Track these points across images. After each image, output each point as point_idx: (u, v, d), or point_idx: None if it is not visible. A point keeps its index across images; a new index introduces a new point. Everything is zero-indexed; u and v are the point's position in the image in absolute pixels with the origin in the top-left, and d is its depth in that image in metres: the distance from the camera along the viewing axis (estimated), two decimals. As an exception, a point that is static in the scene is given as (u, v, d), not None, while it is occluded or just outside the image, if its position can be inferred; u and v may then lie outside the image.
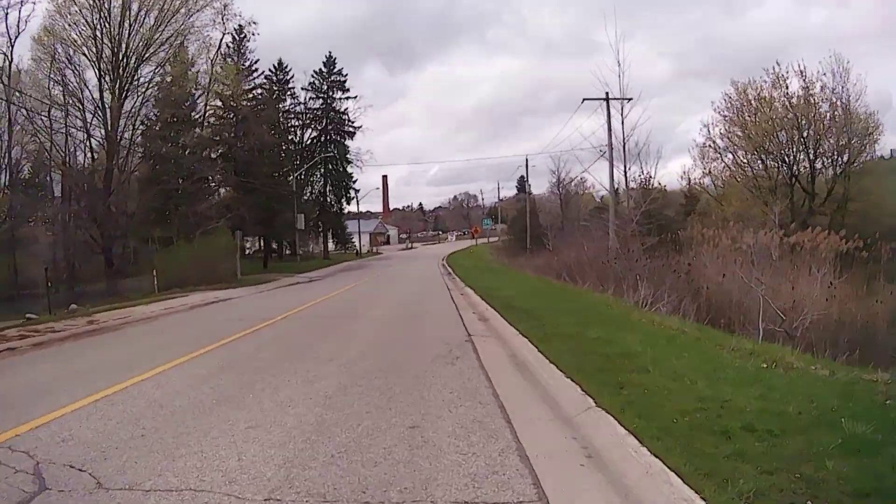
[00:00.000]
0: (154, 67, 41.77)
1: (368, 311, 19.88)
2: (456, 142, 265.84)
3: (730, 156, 59.15)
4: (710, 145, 61.52)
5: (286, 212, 54.44)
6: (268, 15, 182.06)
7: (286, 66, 75.83)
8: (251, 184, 51.18)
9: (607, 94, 37.39)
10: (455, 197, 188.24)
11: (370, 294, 28.11)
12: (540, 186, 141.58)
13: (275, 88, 74.28)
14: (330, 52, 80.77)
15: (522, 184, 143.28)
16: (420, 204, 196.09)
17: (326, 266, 59.91)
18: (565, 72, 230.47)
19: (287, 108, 76.82)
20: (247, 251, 72.27)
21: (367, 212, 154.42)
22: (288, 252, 79.16)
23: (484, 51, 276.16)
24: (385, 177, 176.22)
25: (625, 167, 38.94)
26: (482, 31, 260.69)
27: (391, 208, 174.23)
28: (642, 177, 47.02)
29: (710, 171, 63.62)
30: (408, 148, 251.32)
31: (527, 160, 72.50)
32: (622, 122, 36.24)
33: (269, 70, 74.38)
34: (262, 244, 66.97)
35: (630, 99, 36.24)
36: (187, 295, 29.06)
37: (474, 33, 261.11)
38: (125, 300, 27.81)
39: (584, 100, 38.08)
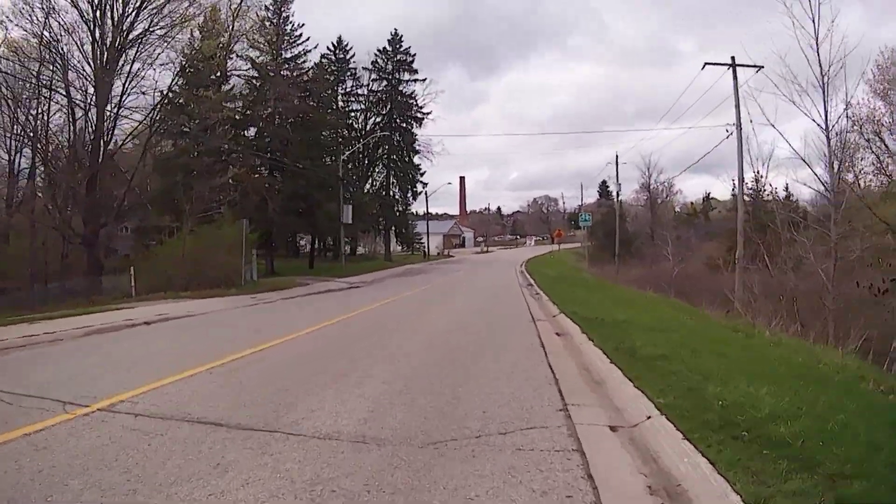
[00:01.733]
0: (153, 12, 32.13)
1: (372, 364, 9.69)
2: (536, 147, 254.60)
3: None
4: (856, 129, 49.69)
5: (330, 202, 44.91)
6: (347, 16, 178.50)
7: (346, 45, 67.97)
8: (282, 164, 42.31)
9: (733, 58, 27.37)
10: (535, 200, 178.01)
11: (409, 315, 18.20)
12: (623, 193, 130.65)
13: (333, 69, 66.40)
14: (395, 30, 71.87)
15: (605, 189, 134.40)
16: (498, 207, 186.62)
17: (383, 268, 51.02)
18: (645, 81, 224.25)
19: (348, 90, 68.68)
20: (300, 249, 64.13)
21: (445, 214, 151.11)
22: (346, 251, 70.91)
23: (564, 57, 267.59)
24: (462, 178, 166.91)
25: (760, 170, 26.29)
26: (563, 39, 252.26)
27: (468, 211, 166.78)
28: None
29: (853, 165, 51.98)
30: (487, 152, 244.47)
31: (616, 156, 62.34)
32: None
33: (328, 48, 66.93)
34: (293, 240, 58.67)
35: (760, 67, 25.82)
36: (149, 304, 20.73)
37: (555, 40, 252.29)
38: (91, 304, 22.53)
39: (705, 64, 27.83)
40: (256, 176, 41.41)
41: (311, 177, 43.09)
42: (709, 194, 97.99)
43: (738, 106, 26.14)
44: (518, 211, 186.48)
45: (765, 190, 57.10)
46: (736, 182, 28.65)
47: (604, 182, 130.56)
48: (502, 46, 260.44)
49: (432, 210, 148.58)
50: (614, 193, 63.73)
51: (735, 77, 26.50)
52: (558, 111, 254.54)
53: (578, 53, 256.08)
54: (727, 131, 25.71)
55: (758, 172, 57.34)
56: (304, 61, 50.09)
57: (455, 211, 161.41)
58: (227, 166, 38.97)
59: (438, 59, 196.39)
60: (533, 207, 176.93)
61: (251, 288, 27.82)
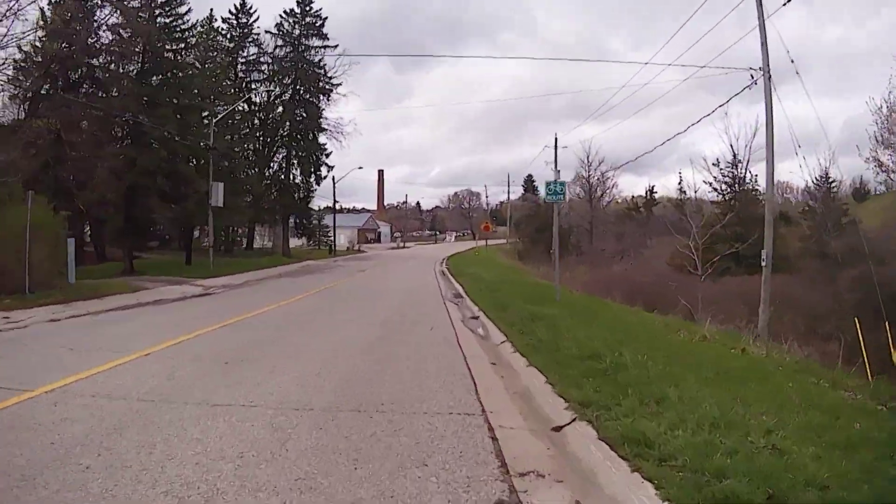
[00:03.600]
0: None
1: None
2: (460, 144, 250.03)
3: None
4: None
5: (200, 182, 35.27)
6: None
7: (250, 7, 57.73)
8: (139, 128, 32.76)
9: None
10: (456, 194, 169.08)
11: (235, 366, 9.53)
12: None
13: (233, 34, 57.00)
14: (308, -15, 61.61)
15: (531, 183, 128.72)
16: (417, 202, 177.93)
17: (273, 265, 41.79)
18: (573, 78, 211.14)
19: (249, 57, 58.78)
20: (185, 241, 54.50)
21: (363, 209, 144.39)
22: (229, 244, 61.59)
23: (495, 53, 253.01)
24: (381, 171, 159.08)
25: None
26: (494, 34, 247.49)
27: (386, 206, 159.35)
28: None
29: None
30: (410, 148, 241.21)
31: (556, 137, 54.15)
32: None
33: (230, 11, 57.17)
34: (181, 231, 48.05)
35: None
36: None
37: (485, 35, 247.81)
38: None
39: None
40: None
41: (178, 149, 33.78)
42: (653, 188, 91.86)
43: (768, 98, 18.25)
44: (438, 206, 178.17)
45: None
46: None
47: (529, 177, 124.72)
48: (431, 41, 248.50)
49: (347, 205, 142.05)
50: (553, 179, 55.72)
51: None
52: (487, 107, 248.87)
53: (509, 49, 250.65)
54: (751, 77, 17.64)
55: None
56: (188, 10, 39.78)
57: (373, 206, 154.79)
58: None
59: (364, 51, 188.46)
60: (454, 202, 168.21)
61: (38, 299, 18.60)
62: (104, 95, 33.60)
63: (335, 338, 11.90)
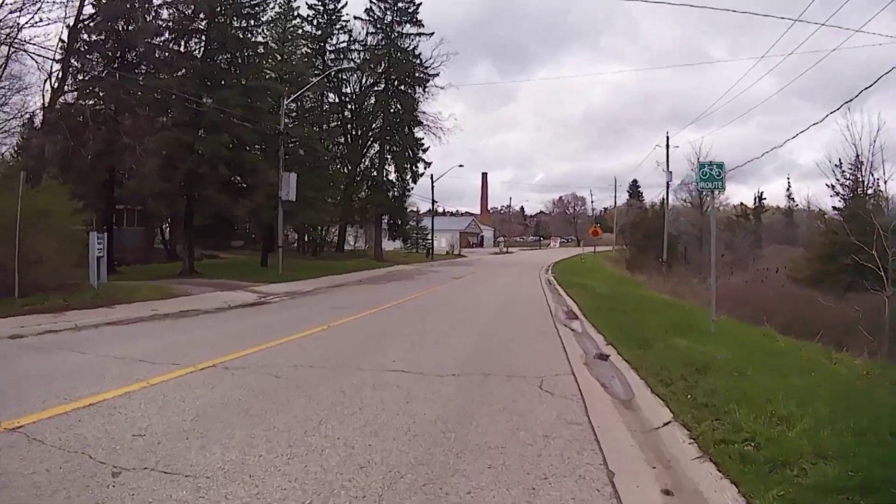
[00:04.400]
0: None
1: None
2: (563, 149, 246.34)
3: None
4: None
5: (269, 172, 30.28)
6: None
7: (338, -9, 53.41)
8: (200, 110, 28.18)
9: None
10: (560, 199, 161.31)
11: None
12: (651, 195, 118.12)
13: (319, 21, 52.93)
14: (394, -25, 56.94)
15: (636, 188, 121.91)
16: (521, 207, 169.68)
17: (358, 270, 36.96)
18: (676, 83, 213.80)
19: (338, 46, 54.32)
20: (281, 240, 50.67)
21: (466, 213, 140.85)
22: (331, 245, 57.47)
23: (596, 58, 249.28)
24: (485, 174, 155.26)
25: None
26: (595, 38, 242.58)
27: (489, 209, 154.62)
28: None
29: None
30: (513, 152, 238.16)
31: (668, 136, 47.81)
32: None
33: (316, -1, 52.79)
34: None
35: None
36: None
37: (587, 39, 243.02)
38: None
39: None
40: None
41: (243, 134, 29.07)
42: (762, 194, 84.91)
43: None
44: (542, 211, 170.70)
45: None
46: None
47: (634, 181, 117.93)
48: (534, 44, 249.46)
49: (450, 209, 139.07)
50: (664, 182, 49.47)
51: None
52: (588, 111, 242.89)
53: (611, 54, 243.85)
54: None
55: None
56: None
57: (476, 210, 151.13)
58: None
59: (467, 56, 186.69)
60: (558, 207, 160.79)
61: (23, 305, 14.18)
62: (163, 77, 29.46)
63: (362, 418, 6.34)
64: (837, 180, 43.95)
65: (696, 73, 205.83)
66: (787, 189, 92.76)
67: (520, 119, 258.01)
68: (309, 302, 19.34)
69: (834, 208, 45.15)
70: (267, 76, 34.73)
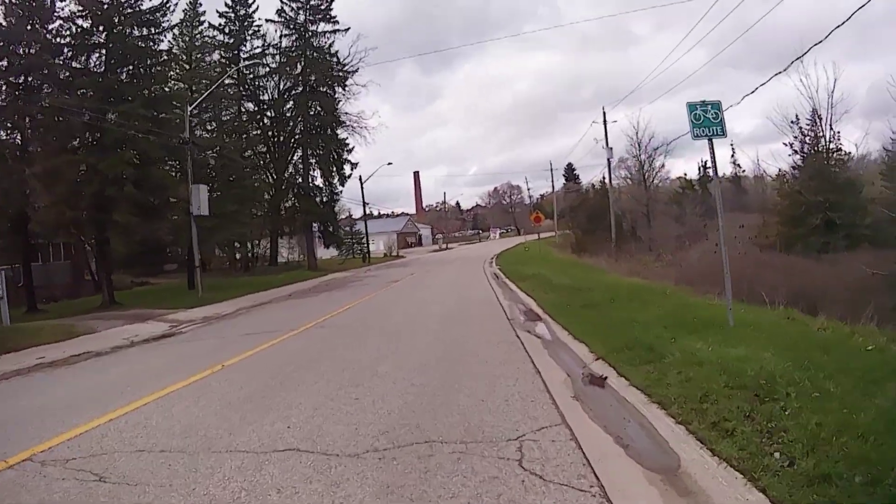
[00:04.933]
0: None
1: None
2: (494, 141, 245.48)
3: None
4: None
5: (180, 188, 28.41)
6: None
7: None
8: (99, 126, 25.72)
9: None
10: (496, 189, 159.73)
11: None
12: (587, 177, 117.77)
13: (231, 28, 50.57)
14: (307, -28, 54.39)
15: (571, 172, 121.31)
16: (457, 202, 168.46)
17: (290, 282, 34.58)
18: (603, 64, 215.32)
19: (253, 51, 51.87)
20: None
21: (402, 213, 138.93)
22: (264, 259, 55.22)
23: (519, 47, 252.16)
24: (416, 173, 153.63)
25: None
26: (518, 26, 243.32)
27: (425, 208, 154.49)
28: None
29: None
30: (445, 149, 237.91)
31: (604, 111, 46.73)
32: None
33: (226, 4, 50.62)
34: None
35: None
36: None
37: (510, 29, 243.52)
38: None
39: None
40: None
41: (150, 149, 26.64)
42: (705, 163, 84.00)
43: None
44: (478, 204, 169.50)
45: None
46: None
47: (570, 165, 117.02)
48: (456, 39, 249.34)
49: (385, 211, 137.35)
50: (600, 164, 48.50)
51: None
52: (516, 101, 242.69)
53: (534, 41, 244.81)
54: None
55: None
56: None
57: (412, 210, 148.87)
58: None
59: (391, 57, 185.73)
60: (494, 198, 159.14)
61: None
62: (67, 96, 27.07)
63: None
64: (795, 137, 43.06)
65: (622, 52, 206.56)
66: (732, 155, 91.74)
67: (449, 115, 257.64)
68: (223, 328, 17.22)
69: (794, 167, 44.43)
70: (175, 86, 32.62)
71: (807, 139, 42.34)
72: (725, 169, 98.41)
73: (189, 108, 29.22)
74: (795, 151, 43.31)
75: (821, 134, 41.49)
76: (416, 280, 31.33)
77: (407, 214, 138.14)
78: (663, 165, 65.45)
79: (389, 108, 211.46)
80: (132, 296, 29.97)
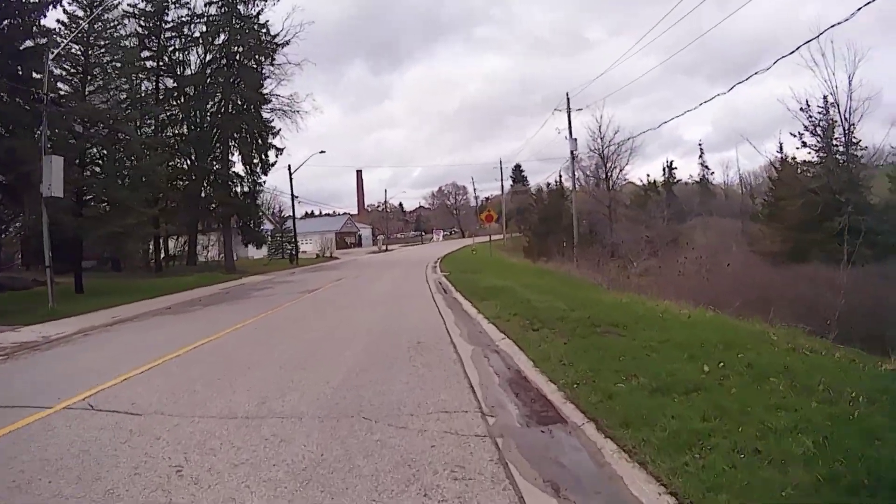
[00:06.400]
0: None
1: None
2: (441, 144, 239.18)
3: None
4: None
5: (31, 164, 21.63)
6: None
7: (172, -36, 44.31)
8: None
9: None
10: (440, 189, 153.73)
11: None
12: (535, 180, 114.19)
13: (150, -4, 43.45)
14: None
15: (519, 174, 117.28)
16: (400, 203, 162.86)
17: (181, 289, 28.45)
18: (554, 69, 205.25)
19: (178, 21, 44.96)
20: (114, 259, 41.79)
21: (345, 213, 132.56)
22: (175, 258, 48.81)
23: (471, 49, 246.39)
24: (359, 171, 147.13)
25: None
26: (470, 29, 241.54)
27: (367, 208, 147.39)
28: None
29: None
30: (390, 150, 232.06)
31: (567, 98, 41.59)
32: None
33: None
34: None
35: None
36: None
37: (462, 30, 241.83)
38: None
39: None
40: None
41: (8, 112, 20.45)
42: (671, 163, 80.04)
43: None
44: (422, 206, 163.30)
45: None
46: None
47: (518, 166, 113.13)
48: (407, 39, 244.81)
49: (327, 210, 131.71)
50: (555, 165, 43.22)
51: None
52: (465, 104, 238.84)
53: (486, 44, 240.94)
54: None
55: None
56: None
57: (356, 211, 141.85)
58: None
59: (341, 55, 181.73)
60: (438, 198, 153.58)
61: None
62: None
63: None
64: (806, 128, 37.90)
65: (574, 58, 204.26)
66: (700, 156, 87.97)
67: (396, 116, 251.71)
68: (26, 367, 11.34)
69: (804, 163, 39.42)
70: (68, 49, 26.41)
71: (818, 129, 37.32)
72: (693, 171, 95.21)
73: (50, 58, 22.26)
74: (805, 144, 38.26)
75: (843, 123, 36.58)
76: (338, 290, 25.02)
77: (348, 214, 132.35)
78: (627, 162, 60.47)
79: (337, 107, 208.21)
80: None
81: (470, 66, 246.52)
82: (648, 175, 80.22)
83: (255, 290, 27.54)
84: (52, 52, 22.64)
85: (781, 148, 47.48)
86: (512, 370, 8.87)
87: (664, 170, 75.31)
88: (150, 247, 44.18)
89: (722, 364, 7.51)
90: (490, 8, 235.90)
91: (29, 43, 24.47)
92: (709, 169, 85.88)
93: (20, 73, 23.57)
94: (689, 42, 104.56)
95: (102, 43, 29.36)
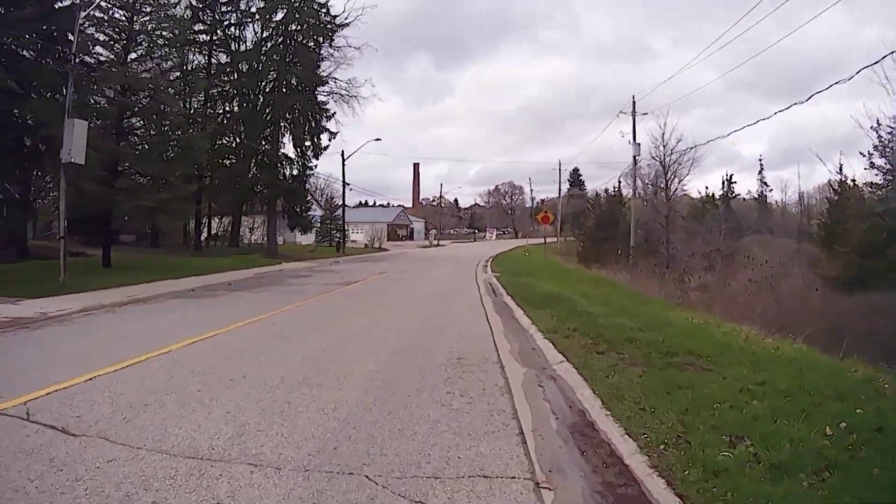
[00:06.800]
0: None
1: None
2: (498, 143, 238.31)
3: None
4: None
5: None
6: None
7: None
8: None
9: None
10: (497, 188, 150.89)
11: None
12: (592, 185, 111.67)
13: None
14: None
15: (577, 178, 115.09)
16: (455, 199, 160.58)
17: (213, 270, 26.69)
18: (616, 76, 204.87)
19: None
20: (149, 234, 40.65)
21: (400, 205, 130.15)
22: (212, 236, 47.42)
23: (534, 51, 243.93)
24: (416, 164, 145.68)
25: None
26: (534, 31, 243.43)
27: (422, 201, 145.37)
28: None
29: None
30: (448, 146, 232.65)
31: (633, 101, 39.00)
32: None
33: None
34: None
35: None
36: None
37: (526, 32, 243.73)
38: None
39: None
40: None
41: (35, 74, 18.81)
42: (731, 177, 76.28)
43: None
44: (477, 203, 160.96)
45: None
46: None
47: (576, 170, 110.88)
48: (472, 38, 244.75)
49: (381, 201, 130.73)
50: (631, 157, 40.52)
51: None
52: (524, 105, 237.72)
53: (549, 47, 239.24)
54: None
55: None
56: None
57: (410, 203, 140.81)
58: None
59: (405, 49, 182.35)
60: (494, 197, 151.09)
61: None
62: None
63: None
64: (876, 147, 34.98)
65: (635, 65, 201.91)
66: (760, 171, 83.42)
67: (456, 113, 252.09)
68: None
69: (871, 185, 36.55)
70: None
71: (888, 150, 34.34)
72: (752, 186, 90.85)
73: (81, 17, 20.41)
74: (872, 165, 35.34)
75: None
76: (379, 285, 22.95)
77: (402, 206, 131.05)
78: (688, 173, 57.41)
79: (399, 100, 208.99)
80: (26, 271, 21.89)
81: (532, 68, 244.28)
82: (707, 188, 76.73)
83: (290, 278, 25.69)
84: (83, 13, 20.81)
85: (841, 169, 44.58)
86: (575, 410, 6.75)
87: (723, 183, 71.48)
88: (192, 224, 42.81)
89: (844, 425, 5.46)
90: (554, 12, 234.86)
91: (65, 2, 23.07)
92: (767, 185, 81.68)
93: (54, 33, 22.13)
94: (749, 57, 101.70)
95: (148, 9, 27.81)
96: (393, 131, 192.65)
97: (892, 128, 33.96)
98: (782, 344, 10.46)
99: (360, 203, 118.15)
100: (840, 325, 18.77)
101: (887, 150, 34.35)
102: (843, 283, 29.87)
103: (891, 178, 34.30)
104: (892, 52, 20.52)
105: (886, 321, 21.67)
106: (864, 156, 35.69)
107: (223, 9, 42.95)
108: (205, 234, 45.79)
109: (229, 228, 48.92)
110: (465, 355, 9.42)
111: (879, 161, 34.84)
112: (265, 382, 7.50)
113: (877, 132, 34.76)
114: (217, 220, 48.97)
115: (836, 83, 21.84)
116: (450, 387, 7.52)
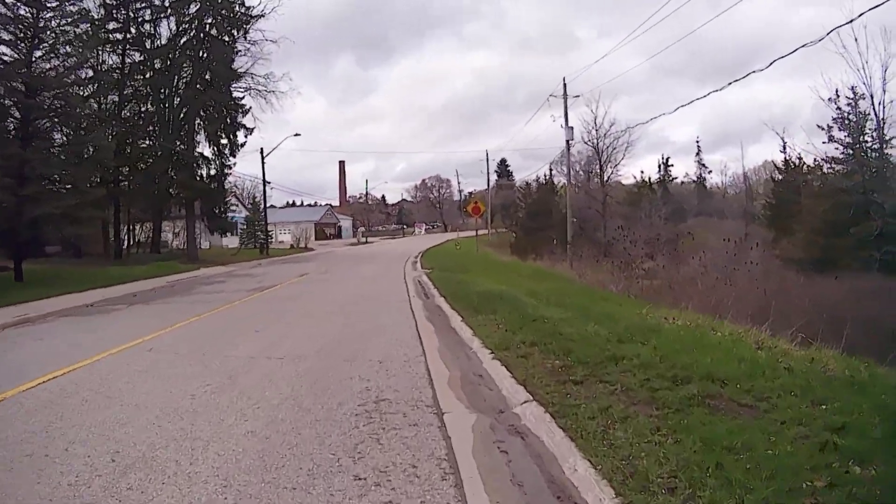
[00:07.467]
0: None
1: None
2: (426, 138, 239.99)
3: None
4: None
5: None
6: None
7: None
8: None
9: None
10: (423, 182, 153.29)
11: None
12: (520, 176, 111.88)
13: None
14: None
15: (504, 169, 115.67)
16: (382, 195, 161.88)
17: (134, 279, 25.78)
18: (542, 68, 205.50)
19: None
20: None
21: (327, 204, 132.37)
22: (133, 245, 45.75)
23: (459, 45, 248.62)
24: (342, 162, 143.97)
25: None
26: (459, 26, 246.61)
27: (349, 199, 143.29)
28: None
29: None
30: (375, 143, 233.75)
31: (564, 83, 38.59)
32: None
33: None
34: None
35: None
36: None
37: (451, 27, 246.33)
38: None
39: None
40: None
41: None
42: (667, 160, 77.12)
43: None
44: (404, 199, 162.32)
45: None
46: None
47: (503, 161, 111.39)
48: (397, 35, 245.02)
49: (307, 201, 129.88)
50: (563, 142, 40.02)
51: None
52: (451, 100, 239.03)
53: (474, 41, 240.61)
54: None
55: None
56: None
57: (337, 202, 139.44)
58: None
59: (329, 48, 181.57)
60: (421, 191, 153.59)
61: None
62: None
63: None
64: (835, 119, 34.96)
65: (561, 56, 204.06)
66: (698, 154, 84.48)
67: (382, 110, 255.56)
68: None
69: (832, 160, 36.58)
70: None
71: (847, 122, 34.49)
72: (690, 169, 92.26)
73: None
74: (831, 138, 35.42)
75: (877, 115, 33.65)
76: (296, 290, 21.61)
77: (329, 205, 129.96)
78: (623, 156, 57.91)
79: (324, 99, 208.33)
80: None
81: (459, 62, 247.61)
82: (643, 172, 77.52)
83: (203, 285, 24.43)
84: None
85: (785, 147, 45.46)
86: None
87: (660, 166, 72.81)
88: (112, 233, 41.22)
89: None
90: (479, 5, 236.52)
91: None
92: (706, 167, 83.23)
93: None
94: (678, 38, 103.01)
95: (54, 4, 26.53)
96: (320, 131, 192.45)
97: (851, 99, 34.11)
98: (817, 354, 7.85)
99: (288, 203, 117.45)
100: (831, 313, 17.34)
101: (846, 121, 34.51)
102: (809, 264, 29.71)
103: (850, 151, 34.48)
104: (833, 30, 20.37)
105: (885, 306, 21.17)
106: (821, 128, 35.78)
107: (137, 5, 41.28)
108: (128, 242, 44.00)
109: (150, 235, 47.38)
110: (386, 394, 6.96)
111: (840, 134, 35.03)
112: (89, 461, 5.07)
113: (836, 104, 34.92)
114: (139, 226, 47.18)
115: (778, 59, 21.98)
116: (360, 466, 4.76)
